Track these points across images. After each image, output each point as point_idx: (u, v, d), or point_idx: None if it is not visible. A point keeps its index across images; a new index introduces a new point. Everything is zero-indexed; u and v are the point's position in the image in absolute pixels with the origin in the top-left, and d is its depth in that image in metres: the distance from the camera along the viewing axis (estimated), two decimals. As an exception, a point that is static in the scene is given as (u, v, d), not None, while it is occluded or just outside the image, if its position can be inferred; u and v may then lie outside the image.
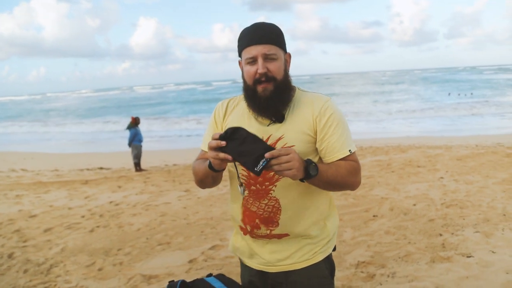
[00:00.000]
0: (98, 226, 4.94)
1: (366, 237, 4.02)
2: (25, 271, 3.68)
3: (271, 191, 1.47)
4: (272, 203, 1.48)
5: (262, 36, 1.43)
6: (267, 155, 1.22)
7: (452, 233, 3.95)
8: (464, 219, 4.34)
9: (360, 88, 45.06)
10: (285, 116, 1.47)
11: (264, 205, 1.49)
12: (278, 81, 1.44)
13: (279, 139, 1.45)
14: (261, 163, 1.22)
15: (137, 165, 9.58)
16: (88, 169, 10.06)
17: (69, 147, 15.61)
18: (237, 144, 1.25)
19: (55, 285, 3.37)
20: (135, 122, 10.00)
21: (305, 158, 1.37)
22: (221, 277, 1.75)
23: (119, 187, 7.38)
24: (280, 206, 1.48)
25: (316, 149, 1.49)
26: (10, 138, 20.54)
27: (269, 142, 1.44)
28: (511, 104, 21.79)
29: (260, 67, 1.41)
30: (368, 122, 18.19)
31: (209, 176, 1.47)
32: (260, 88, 1.43)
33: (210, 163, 1.38)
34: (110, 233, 4.69)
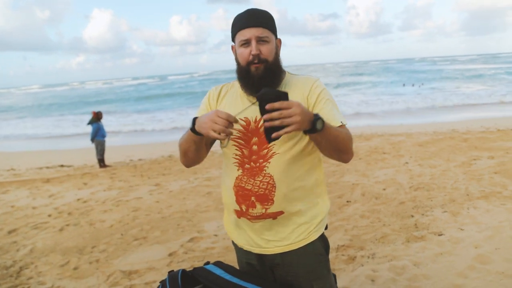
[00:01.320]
0: (67, 225, 4.74)
1: (342, 222, 4.13)
2: (-7, 275, 3.48)
3: (265, 168, 1.50)
4: (267, 180, 1.50)
5: (256, 20, 1.49)
6: (265, 117, 1.24)
7: (423, 214, 4.14)
8: (432, 200, 4.55)
9: (323, 79, 45.95)
10: None
11: (259, 182, 1.51)
12: (270, 62, 1.50)
13: None
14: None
15: (101, 161, 9.28)
16: (47, 167, 9.59)
17: (23, 145, 14.82)
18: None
19: (29, 287, 3.21)
20: (96, 117, 9.67)
21: (296, 137, 1.48)
22: (219, 264, 1.74)
23: (85, 184, 7.11)
24: (274, 183, 1.50)
25: None
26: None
27: (262, 122, 1.49)
28: (461, 93, 23.00)
29: (253, 49, 1.47)
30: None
31: (191, 144, 1.51)
32: (253, 67, 1.48)
33: (193, 126, 1.44)
34: (82, 231, 4.52)
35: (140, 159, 9.70)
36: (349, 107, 20.09)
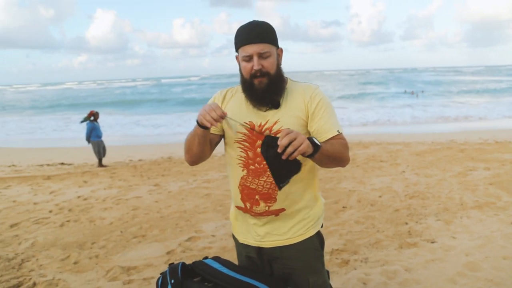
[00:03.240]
0: (68, 221, 4.82)
1: (337, 226, 4.21)
2: (-5, 267, 3.56)
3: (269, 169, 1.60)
4: (270, 180, 1.61)
5: (257, 36, 1.57)
6: (279, 149, 1.33)
7: (416, 222, 4.23)
8: (426, 209, 4.64)
9: (328, 86, 46.06)
10: (280, 102, 1.63)
11: (263, 182, 1.62)
12: (272, 75, 1.60)
13: (275, 123, 1.61)
14: (286, 180, 1.43)
15: (101, 161, 9.33)
16: (48, 165, 9.67)
17: (24, 142, 14.91)
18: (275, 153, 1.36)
19: (30, 279, 3.28)
20: (91, 116, 9.59)
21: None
22: (217, 259, 1.83)
23: (85, 182, 7.20)
24: None
25: (308, 131, 1.64)
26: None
27: (266, 127, 1.61)
28: (461, 104, 23.14)
29: (255, 65, 1.57)
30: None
31: (195, 137, 1.58)
32: (256, 81, 1.58)
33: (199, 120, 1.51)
34: (82, 227, 4.60)
35: (140, 160, 9.78)
36: (350, 115, 20.20)
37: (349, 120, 17.75)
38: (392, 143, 10.15)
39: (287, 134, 1.32)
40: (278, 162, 1.37)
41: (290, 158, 1.34)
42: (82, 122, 9.81)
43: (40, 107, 33.46)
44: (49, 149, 12.73)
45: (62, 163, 9.78)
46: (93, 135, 9.32)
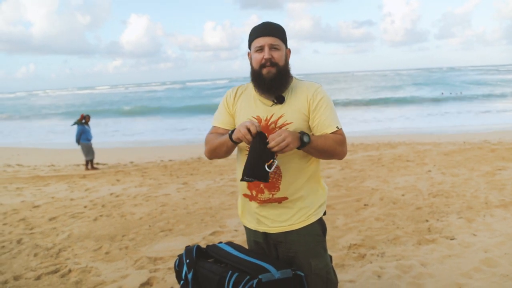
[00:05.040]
0: (101, 215, 5.13)
1: (357, 223, 4.28)
2: (35, 255, 3.87)
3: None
4: (275, 170, 1.75)
5: (269, 30, 1.77)
6: (270, 145, 1.58)
7: (438, 219, 4.23)
8: (449, 207, 4.62)
9: (357, 88, 45.47)
10: (285, 98, 1.79)
11: None
12: (280, 66, 1.76)
13: (280, 116, 1.77)
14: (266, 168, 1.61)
15: (87, 163, 9.48)
16: (84, 164, 10.19)
17: (62, 144, 15.67)
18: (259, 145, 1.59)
19: (66, 266, 3.57)
20: (82, 119, 9.92)
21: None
22: (230, 243, 2.00)
23: (118, 180, 7.57)
24: (281, 173, 1.77)
25: (309, 126, 1.80)
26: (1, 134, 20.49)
27: (271, 120, 1.78)
28: (499, 103, 22.31)
29: (266, 54, 1.74)
30: (361, 122, 18.53)
31: (224, 146, 1.76)
32: (265, 70, 1.75)
33: (231, 134, 1.68)
34: (114, 221, 4.89)
35: (170, 160, 10.12)
36: (383, 114, 19.91)
37: (377, 123, 17.51)
38: (421, 143, 10.01)
39: (275, 140, 1.55)
40: (257, 155, 1.58)
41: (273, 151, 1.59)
42: (73, 124, 10.16)
43: (70, 112, 34.68)
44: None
45: (97, 163, 10.25)
46: (83, 137, 9.61)
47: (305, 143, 1.63)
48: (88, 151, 9.54)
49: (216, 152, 1.83)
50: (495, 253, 3.29)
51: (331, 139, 1.72)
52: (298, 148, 1.64)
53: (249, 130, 1.57)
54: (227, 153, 1.81)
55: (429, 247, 3.52)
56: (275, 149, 1.56)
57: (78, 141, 9.74)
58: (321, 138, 1.71)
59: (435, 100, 26.26)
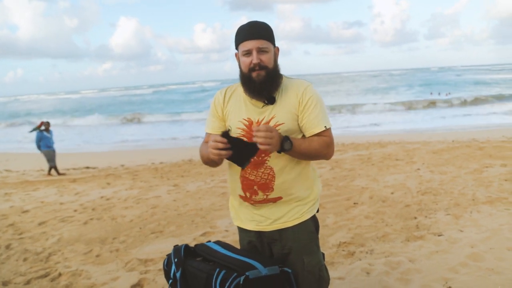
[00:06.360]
0: (91, 219, 5.11)
1: (347, 221, 4.32)
2: (25, 260, 3.85)
3: (267, 161, 1.77)
4: (268, 171, 1.76)
5: (256, 32, 1.74)
6: (260, 127, 1.55)
7: (426, 216, 4.29)
8: (437, 204, 4.69)
9: (348, 88, 45.68)
10: (276, 99, 1.77)
11: (261, 173, 1.77)
12: (269, 69, 1.75)
13: (272, 118, 1.76)
14: (246, 162, 1.63)
15: (50, 169, 9.39)
16: (74, 169, 10.12)
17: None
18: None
19: (56, 270, 3.55)
20: (41, 126, 9.82)
21: (293, 134, 1.72)
22: (219, 242, 2.01)
23: (108, 183, 7.53)
24: (274, 174, 1.77)
25: (299, 125, 1.79)
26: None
27: (263, 122, 1.76)
28: (488, 103, 22.61)
29: (254, 58, 1.72)
30: (352, 122, 18.66)
31: (211, 161, 1.77)
32: (254, 74, 1.73)
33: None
34: (104, 224, 4.87)
35: (161, 162, 10.09)
36: (373, 115, 20.06)
37: (368, 123, 17.65)
38: (411, 142, 10.11)
39: (265, 134, 1.55)
40: (237, 151, 1.60)
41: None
42: (31, 131, 10.09)
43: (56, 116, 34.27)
44: (74, 154, 13.26)
45: (87, 167, 10.19)
46: (42, 144, 9.50)
47: (285, 150, 1.64)
48: (49, 158, 9.38)
49: (210, 164, 1.85)
50: (481, 248, 3.35)
51: (316, 143, 1.73)
52: (278, 152, 1.65)
53: (216, 147, 1.58)
54: (219, 163, 1.82)
55: (417, 243, 3.57)
56: (259, 140, 1.54)
57: (38, 147, 9.59)
58: (305, 143, 1.71)
59: (426, 100, 26.53)
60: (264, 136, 1.55)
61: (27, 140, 17.98)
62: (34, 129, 9.99)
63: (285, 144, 1.63)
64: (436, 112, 20.06)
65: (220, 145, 1.56)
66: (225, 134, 1.58)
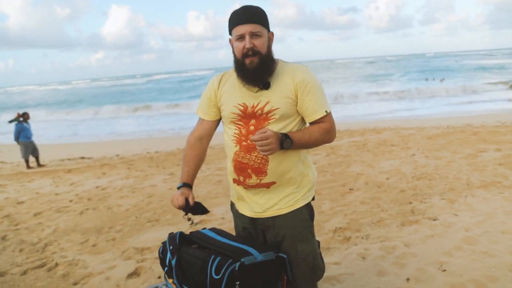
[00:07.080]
0: (87, 209, 5.10)
1: (343, 207, 4.34)
2: (21, 250, 3.84)
3: None
4: (261, 155, 1.75)
5: (249, 17, 1.70)
6: (253, 137, 1.64)
7: (421, 201, 4.31)
8: (432, 189, 4.71)
9: (343, 75, 45.54)
10: (271, 83, 1.74)
11: (254, 157, 1.76)
12: (263, 55, 1.71)
13: (267, 103, 1.73)
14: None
15: (27, 162, 9.28)
16: (69, 159, 10.07)
17: (47, 139, 15.44)
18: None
19: (52, 260, 3.55)
20: (20, 117, 9.71)
21: (288, 119, 1.75)
22: (214, 229, 2.01)
23: (104, 173, 7.50)
24: (267, 157, 1.75)
25: (297, 110, 1.77)
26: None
27: (258, 107, 1.74)
28: (481, 88, 22.63)
29: (247, 43, 1.68)
30: (348, 108, 18.65)
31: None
32: (247, 61, 1.70)
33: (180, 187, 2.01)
34: (100, 214, 4.86)
35: (156, 151, 10.06)
36: (368, 101, 20.04)
37: (364, 110, 17.65)
38: (406, 128, 10.13)
39: (260, 142, 1.61)
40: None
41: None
42: (10, 122, 9.97)
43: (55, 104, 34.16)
44: (69, 144, 13.20)
45: (82, 157, 10.15)
46: (22, 135, 9.39)
47: (286, 148, 1.69)
48: (28, 149, 9.28)
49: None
50: (475, 231, 3.38)
51: (316, 133, 1.74)
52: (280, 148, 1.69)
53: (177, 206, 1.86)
54: None
55: (412, 228, 3.60)
56: (258, 149, 1.64)
57: (17, 139, 9.46)
58: (305, 135, 1.73)
59: (420, 86, 26.51)
60: (260, 145, 1.60)
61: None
62: (12, 120, 9.85)
63: (285, 143, 1.66)
64: (431, 99, 20.07)
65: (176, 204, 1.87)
66: (187, 207, 1.87)
